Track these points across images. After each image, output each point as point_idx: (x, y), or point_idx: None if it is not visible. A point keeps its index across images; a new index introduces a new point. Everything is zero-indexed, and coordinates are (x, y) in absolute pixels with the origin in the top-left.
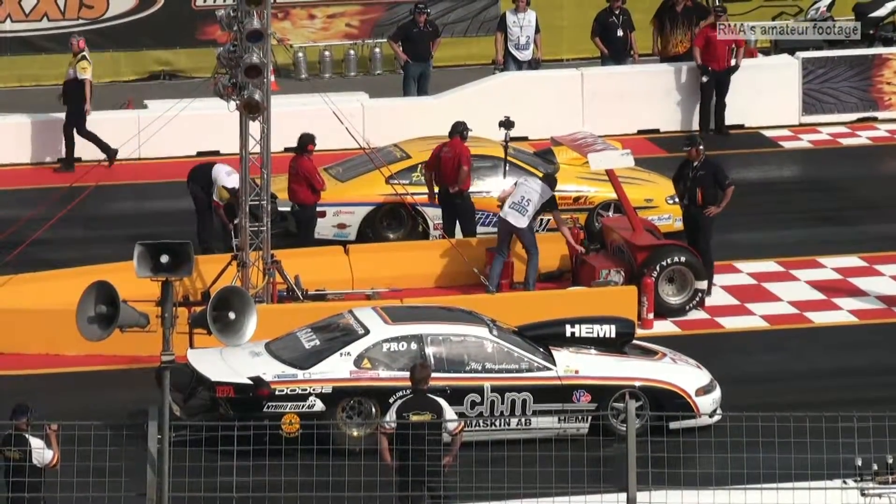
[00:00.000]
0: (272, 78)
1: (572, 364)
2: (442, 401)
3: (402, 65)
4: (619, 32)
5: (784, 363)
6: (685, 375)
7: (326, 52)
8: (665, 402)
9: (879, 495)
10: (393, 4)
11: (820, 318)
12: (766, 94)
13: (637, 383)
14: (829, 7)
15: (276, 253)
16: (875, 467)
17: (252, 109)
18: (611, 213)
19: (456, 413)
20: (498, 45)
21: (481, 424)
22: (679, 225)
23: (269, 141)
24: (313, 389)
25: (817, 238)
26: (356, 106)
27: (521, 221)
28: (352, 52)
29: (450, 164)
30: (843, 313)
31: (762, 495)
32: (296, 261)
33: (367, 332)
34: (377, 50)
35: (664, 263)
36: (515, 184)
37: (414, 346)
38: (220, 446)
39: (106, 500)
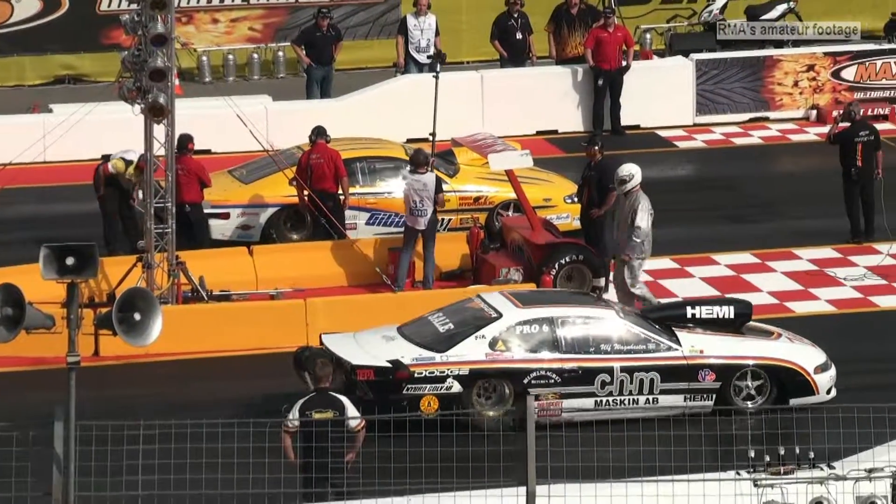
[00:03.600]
0: (176, 81)
1: (697, 344)
2: (344, 399)
3: (305, 68)
4: (518, 35)
5: None
6: (804, 354)
7: (230, 56)
8: (786, 379)
9: (771, 486)
10: (295, 9)
11: None
12: (661, 96)
13: (759, 362)
14: (722, 10)
15: (181, 254)
16: (767, 458)
17: (156, 113)
18: (510, 213)
19: (585, 393)
20: (399, 48)
21: (609, 403)
22: (577, 224)
23: (173, 144)
24: (451, 371)
25: (712, 236)
26: (260, 109)
27: (425, 222)
28: (255, 55)
29: (322, 168)
30: None
31: (658, 487)
32: (200, 262)
33: (499, 315)
34: (280, 53)
35: (562, 261)
36: (405, 182)
37: (546, 328)
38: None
39: (12, 500)
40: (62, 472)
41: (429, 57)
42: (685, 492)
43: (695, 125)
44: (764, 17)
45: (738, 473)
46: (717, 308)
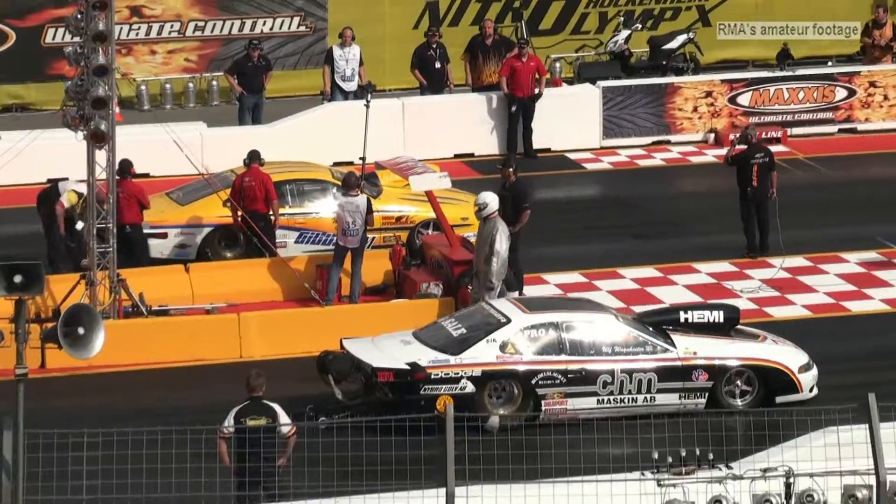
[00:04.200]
0: (117, 109)
1: (690, 346)
2: (277, 406)
3: (238, 96)
4: (437, 64)
5: None
6: (788, 355)
7: (167, 85)
8: (772, 379)
9: (674, 485)
10: (228, 41)
11: None
12: (570, 120)
13: (748, 362)
14: (627, 40)
15: (122, 272)
16: (670, 460)
17: (98, 139)
18: (430, 231)
19: (588, 392)
20: (325, 77)
21: (610, 402)
22: None
23: (114, 168)
24: (465, 373)
25: (618, 251)
26: (195, 135)
27: (357, 241)
28: (191, 84)
29: (254, 190)
30: None
31: (569, 487)
32: (140, 279)
33: (508, 320)
34: (214, 83)
35: None
36: (338, 203)
37: (552, 331)
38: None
39: None
40: (11, 478)
41: (360, 86)
42: (594, 491)
43: (602, 148)
44: (665, 47)
45: (643, 474)
46: (707, 313)
